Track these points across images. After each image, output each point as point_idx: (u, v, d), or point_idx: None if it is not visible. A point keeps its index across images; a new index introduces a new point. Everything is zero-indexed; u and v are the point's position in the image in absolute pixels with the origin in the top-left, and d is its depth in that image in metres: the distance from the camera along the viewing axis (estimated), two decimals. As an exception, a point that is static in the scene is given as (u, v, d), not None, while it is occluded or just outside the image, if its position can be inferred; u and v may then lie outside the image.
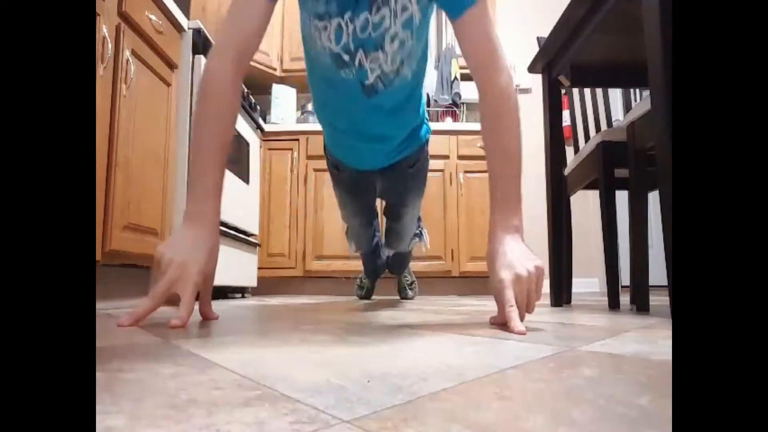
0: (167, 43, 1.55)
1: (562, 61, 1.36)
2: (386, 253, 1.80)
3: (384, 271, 1.92)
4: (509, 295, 0.68)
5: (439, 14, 3.26)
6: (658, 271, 1.74)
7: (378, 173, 1.29)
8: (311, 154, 2.78)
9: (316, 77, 1.04)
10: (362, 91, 0.98)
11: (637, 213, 1.17)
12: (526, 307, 0.70)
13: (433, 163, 1.48)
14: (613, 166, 1.29)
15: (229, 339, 0.59)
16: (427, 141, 1.30)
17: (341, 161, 1.27)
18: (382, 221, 1.62)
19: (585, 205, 3.04)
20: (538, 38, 1.57)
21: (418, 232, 1.73)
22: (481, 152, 2.82)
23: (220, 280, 1.87)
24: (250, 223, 2.36)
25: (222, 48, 0.82)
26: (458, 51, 3.08)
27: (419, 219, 1.68)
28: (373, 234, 1.65)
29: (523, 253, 0.72)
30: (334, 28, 0.88)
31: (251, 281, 2.39)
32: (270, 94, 3.05)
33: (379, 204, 1.56)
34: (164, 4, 1.52)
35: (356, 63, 0.93)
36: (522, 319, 0.67)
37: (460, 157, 2.81)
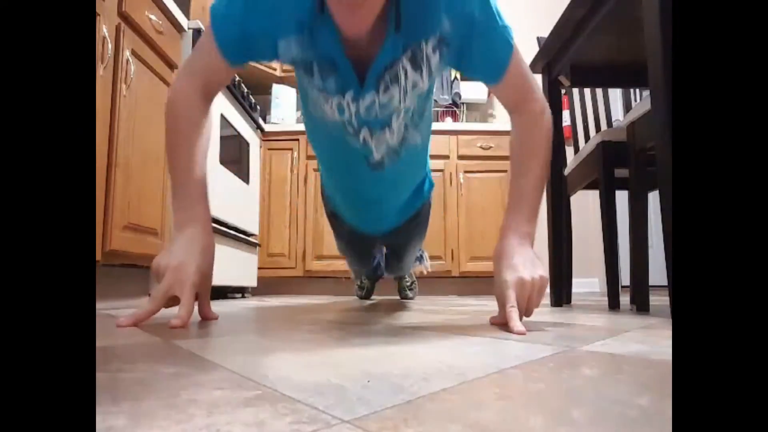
0: (167, 43, 1.55)
1: (562, 61, 1.36)
2: (387, 274, 1.79)
3: (383, 276, 1.93)
4: (511, 295, 0.69)
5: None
6: (658, 271, 1.74)
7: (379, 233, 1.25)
8: (311, 154, 2.78)
9: (317, 136, 0.97)
10: (367, 165, 0.91)
11: (637, 213, 1.17)
12: (524, 311, 0.71)
13: (433, 164, 1.48)
14: (613, 166, 1.29)
15: (229, 339, 0.59)
16: (429, 195, 1.26)
17: (341, 216, 1.23)
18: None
19: (585, 205, 3.04)
20: (538, 38, 1.57)
21: (418, 255, 1.73)
22: (481, 152, 2.83)
23: (220, 280, 1.87)
24: (250, 223, 2.36)
25: (187, 81, 0.80)
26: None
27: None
28: (373, 261, 1.62)
29: (531, 260, 0.73)
30: (335, 104, 0.80)
31: (251, 281, 2.39)
32: (270, 94, 3.05)
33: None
34: (164, 4, 1.52)
35: (360, 140, 0.85)
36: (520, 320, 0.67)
37: (460, 157, 2.81)
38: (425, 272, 1.97)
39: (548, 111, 0.83)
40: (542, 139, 0.82)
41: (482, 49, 0.74)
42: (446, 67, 0.79)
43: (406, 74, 0.76)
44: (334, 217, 1.28)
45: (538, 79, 1.62)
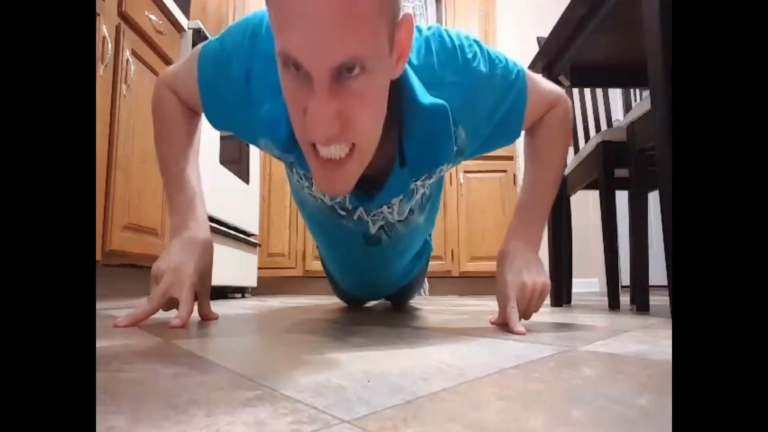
0: (167, 43, 1.55)
1: (562, 61, 1.36)
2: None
3: None
4: (511, 296, 0.69)
5: (439, 11, 3.27)
6: (658, 271, 1.74)
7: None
8: (311, 154, 2.78)
9: (307, 218, 0.91)
10: (363, 238, 0.85)
11: (637, 213, 1.17)
12: (523, 314, 0.71)
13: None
14: (613, 166, 1.29)
15: (229, 339, 0.59)
16: (428, 257, 1.21)
17: (338, 281, 1.19)
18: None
19: (585, 205, 3.04)
20: (538, 38, 1.57)
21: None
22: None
23: (220, 280, 1.87)
24: (250, 223, 2.36)
25: (169, 91, 0.78)
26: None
27: None
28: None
29: (535, 265, 0.72)
30: (327, 199, 0.75)
31: (251, 281, 2.39)
32: (270, 94, 3.04)
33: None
34: (164, 4, 1.52)
35: (355, 217, 0.79)
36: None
37: (460, 157, 2.81)
38: (423, 294, 1.93)
39: (570, 110, 0.81)
40: (562, 141, 0.80)
41: (499, 126, 0.73)
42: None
43: (417, 190, 0.75)
44: (329, 274, 1.22)
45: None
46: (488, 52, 0.69)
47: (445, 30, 0.68)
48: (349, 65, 0.45)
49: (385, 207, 0.76)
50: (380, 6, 0.44)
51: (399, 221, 0.81)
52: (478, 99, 0.68)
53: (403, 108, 0.62)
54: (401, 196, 0.74)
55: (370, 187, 0.70)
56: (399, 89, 0.61)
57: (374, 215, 0.78)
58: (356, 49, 0.44)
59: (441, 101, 0.63)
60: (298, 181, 0.78)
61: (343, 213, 0.78)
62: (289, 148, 0.64)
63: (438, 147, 0.67)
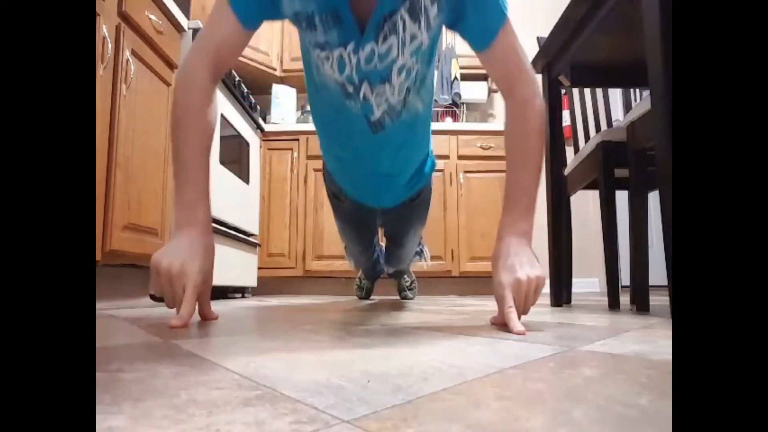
0: (167, 43, 1.55)
1: (562, 61, 1.36)
2: (386, 269, 1.78)
3: (383, 273, 1.92)
4: (508, 296, 0.69)
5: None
6: (658, 271, 1.74)
7: (380, 209, 1.25)
8: (311, 154, 2.78)
9: (319, 105, 0.97)
10: (368, 126, 0.91)
11: (637, 213, 1.17)
12: (521, 310, 0.70)
13: (433, 163, 1.49)
14: (613, 166, 1.29)
15: (229, 339, 0.59)
16: (431, 176, 1.25)
17: (342, 190, 1.21)
18: (382, 236, 1.61)
19: (585, 205, 3.04)
20: (538, 38, 1.57)
21: (418, 249, 1.72)
22: (481, 152, 2.83)
23: (220, 280, 1.87)
24: (250, 223, 2.36)
25: (198, 57, 0.81)
26: (458, 51, 3.08)
27: (420, 236, 1.64)
28: (373, 252, 1.61)
29: (528, 259, 0.73)
30: (336, 59, 0.81)
31: (251, 281, 2.39)
32: (270, 94, 3.05)
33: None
34: (164, 4, 1.52)
35: (361, 96, 0.86)
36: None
37: (460, 157, 2.81)
38: (425, 266, 1.95)
39: (541, 98, 0.82)
40: (535, 125, 0.81)
41: (476, 9, 0.76)
42: (443, 22, 0.81)
43: (404, 25, 0.77)
44: (335, 197, 1.27)
45: (538, 79, 1.63)
46: None
47: None
48: None
49: (387, 84, 0.84)
50: None
51: (399, 102, 0.88)
52: None
53: None
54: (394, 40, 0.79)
55: (367, 10, 0.76)
56: None
57: (377, 94, 0.85)
58: None
59: None
60: (317, 63, 0.84)
61: (350, 90, 0.85)
62: None
63: None
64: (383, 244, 1.58)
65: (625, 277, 2.51)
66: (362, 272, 1.93)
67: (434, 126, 2.38)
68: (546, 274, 0.72)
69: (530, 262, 0.72)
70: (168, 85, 1.57)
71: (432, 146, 1.21)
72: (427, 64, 0.88)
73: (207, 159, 0.82)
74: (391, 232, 1.44)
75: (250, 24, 0.80)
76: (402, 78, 0.85)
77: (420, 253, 1.76)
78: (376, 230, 1.46)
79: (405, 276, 2.01)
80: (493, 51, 0.79)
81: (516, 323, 0.65)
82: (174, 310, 0.72)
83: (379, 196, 1.16)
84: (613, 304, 1.22)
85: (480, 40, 0.80)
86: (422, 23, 0.78)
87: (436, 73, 2.92)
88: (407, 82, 0.86)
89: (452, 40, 3.08)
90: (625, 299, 1.60)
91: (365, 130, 0.92)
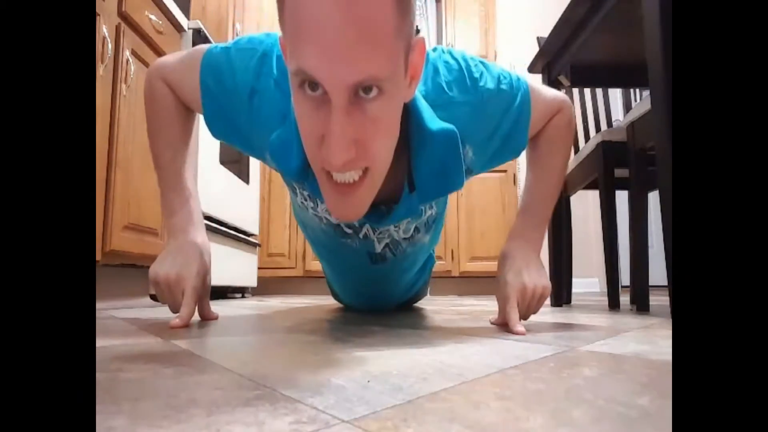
0: (167, 43, 1.55)
1: (562, 61, 1.36)
2: None
3: None
4: (511, 296, 0.69)
5: (439, 10, 3.26)
6: (658, 271, 1.74)
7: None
8: (311, 154, 2.78)
9: (310, 237, 0.90)
10: (369, 258, 0.84)
11: (637, 213, 1.17)
12: (521, 316, 0.70)
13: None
14: (613, 166, 1.29)
15: (229, 339, 0.59)
16: (431, 269, 1.21)
17: (341, 297, 1.19)
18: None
19: (585, 205, 3.04)
20: (538, 38, 1.57)
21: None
22: (481, 152, 2.83)
23: (220, 280, 1.87)
24: (250, 223, 2.36)
25: (163, 84, 0.76)
26: (458, 51, 3.07)
27: None
28: None
29: (536, 268, 0.73)
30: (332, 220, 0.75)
31: (251, 281, 2.39)
32: (270, 94, 3.04)
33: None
34: (164, 4, 1.51)
35: (361, 236, 0.79)
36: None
37: (460, 157, 2.81)
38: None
39: (573, 117, 0.81)
40: (565, 145, 0.81)
41: (502, 149, 0.74)
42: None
43: (425, 211, 0.76)
44: (331, 288, 1.23)
45: (538, 79, 1.63)
46: (493, 70, 0.69)
47: (449, 51, 0.69)
48: (367, 85, 0.44)
49: (392, 226, 0.76)
50: (398, 27, 0.44)
51: (405, 239, 0.81)
52: (485, 116, 0.68)
53: (411, 133, 0.62)
54: (409, 218, 0.75)
55: (379, 209, 0.71)
56: (408, 113, 0.60)
57: (380, 233, 0.78)
58: (375, 69, 0.44)
59: (450, 126, 0.63)
60: (302, 202, 0.77)
61: (348, 231, 0.78)
62: (300, 176, 0.64)
63: (448, 173, 0.66)
64: None
65: (625, 277, 2.51)
66: None
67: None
68: (549, 284, 0.72)
69: (538, 270, 0.73)
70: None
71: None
72: (443, 203, 0.84)
73: (188, 162, 0.79)
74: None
75: (217, 134, 0.74)
76: (411, 221, 0.78)
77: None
78: None
79: None
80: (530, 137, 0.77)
81: (516, 323, 0.65)
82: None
83: (376, 305, 1.14)
84: (613, 304, 1.22)
85: (519, 150, 0.77)
86: (426, 210, 0.76)
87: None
88: (416, 223, 0.79)
89: (452, 40, 3.08)
90: (625, 299, 1.60)
91: (364, 261, 0.85)
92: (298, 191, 0.75)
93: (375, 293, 1.03)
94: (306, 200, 0.75)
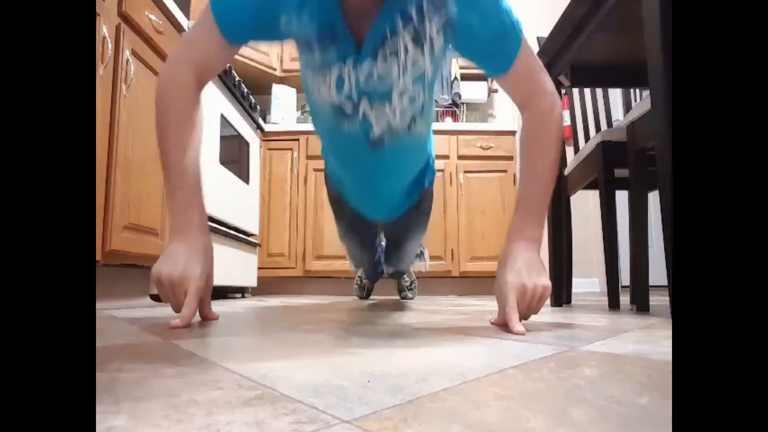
0: (167, 43, 1.55)
1: (562, 61, 1.36)
2: (386, 269, 1.78)
3: (383, 274, 1.92)
4: (511, 296, 0.69)
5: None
6: (658, 271, 1.74)
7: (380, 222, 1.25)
8: (311, 154, 2.78)
9: (318, 124, 0.96)
10: (367, 144, 0.89)
11: (637, 213, 1.17)
12: (521, 316, 0.70)
13: (433, 163, 1.49)
14: (613, 166, 1.29)
15: (229, 339, 0.59)
16: (431, 184, 1.24)
17: (343, 197, 1.21)
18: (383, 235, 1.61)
19: (585, 205, 3.04)
20: (538, 38, 1.57)
21: (419, 251, 1.72)
22: (481, 152, 2.83)
23: (220, 280, 1.87)
24: (250, 223, 2.36)
25: (180, 65, 0.78)
26: (458, 51, 3.08)
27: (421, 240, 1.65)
28: (374, 253, 1.61)
29: (536, 268, 0.72)
30: (334, 77, 0.79)
31: (251, 281, 2.39)
32: (270, 94, 3.05)
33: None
34: (164, 4, 1.52)
35: (360, 114, 0.83)
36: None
37: (460, 157, 2.81)
38: (424, 269, 1.96)
39: (559, 107, 0.82)
40: (551, 137, 0.80)
41: (490, 41, 0.75)
42: (451, 52, 0.80)
43: (406, 49, 0.76)
44: (336, 203, 1.26)
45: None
46: None
47: None
48: None
49: (387, 104, 0.81)
50: None
51: (404, 129, 0.86)
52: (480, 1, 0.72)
53: None
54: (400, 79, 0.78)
55: (366, 30, 0.75)
56: None
57: (377, 112, 0.83)
58: None
59: None
60: (316, 74, 0.81)
61: (349, 110, 0.83)
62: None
63: None
64: (384, 243, 1.58)
65: (625, 277, 2.51)
66: (363, 273, 1.93)
67: (434, 126, 2.38)
68: (549, 284, 0.72)
69: (538, 270, 0.72)
70: (168, 85, 1.57)
71: (434, 152, 1.20)
72: (431, 92, 0.87)
73: (196, 162, 0.80)
74: (392, 237, 1.45)
75: (236, 41, 0.78)
76: (405, 102, 0.82)
77: (420, 255, 1.76)
78: (378, 233, 1.46)
79: (405, 276, 2.01)
80: (510, 75, 0.78)
81: (516, 323, 0.65)
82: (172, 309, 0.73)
83: (378, 208, 1.16)
84: (613, 304, 1.22)
85: (497, 69, 0.78)
86: (426, 50, 0.76)
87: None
88: (411, 110, 0.84)
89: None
90: (625, 299, 1.60)
91: (364, 147, 0.90)
92: (313, 64, 0.79)
93: (376, 182, 1.05)
94: (320, 70, 0.79)
